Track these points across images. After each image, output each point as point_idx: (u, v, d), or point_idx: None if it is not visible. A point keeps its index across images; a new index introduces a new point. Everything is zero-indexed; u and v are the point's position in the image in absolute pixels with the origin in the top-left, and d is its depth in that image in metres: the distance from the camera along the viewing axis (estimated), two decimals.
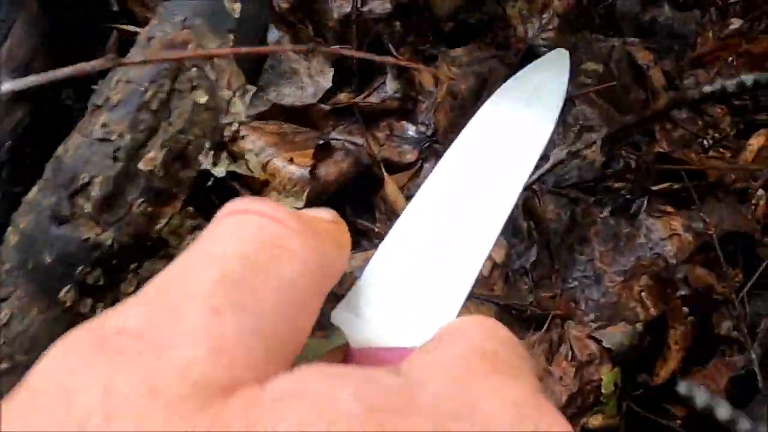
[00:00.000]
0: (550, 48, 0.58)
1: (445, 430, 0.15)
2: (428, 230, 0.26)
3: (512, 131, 0.29)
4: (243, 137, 0.52)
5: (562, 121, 0.60)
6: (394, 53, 0.58)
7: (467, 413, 0.16)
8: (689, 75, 0.73)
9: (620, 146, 0.62)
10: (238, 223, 0.19)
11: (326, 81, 0.60)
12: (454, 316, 0.24)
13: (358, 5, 0.60)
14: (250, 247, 0.18)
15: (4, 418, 0.15)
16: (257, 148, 0.51)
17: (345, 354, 0.23)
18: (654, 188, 0.61)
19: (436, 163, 0.27)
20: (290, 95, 0.63)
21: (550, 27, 0.63)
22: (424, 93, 0.57)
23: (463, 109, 0.55)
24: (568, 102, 0.61)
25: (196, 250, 0.18)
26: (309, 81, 0.63)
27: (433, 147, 0.58)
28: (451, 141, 0.27)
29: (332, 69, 0.61)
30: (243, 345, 0.16)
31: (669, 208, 0.61)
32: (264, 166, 0.50)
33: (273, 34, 0.62)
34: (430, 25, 0.59)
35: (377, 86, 0.61)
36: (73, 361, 0.15)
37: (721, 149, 0.69)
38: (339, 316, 0.23)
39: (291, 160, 0.50)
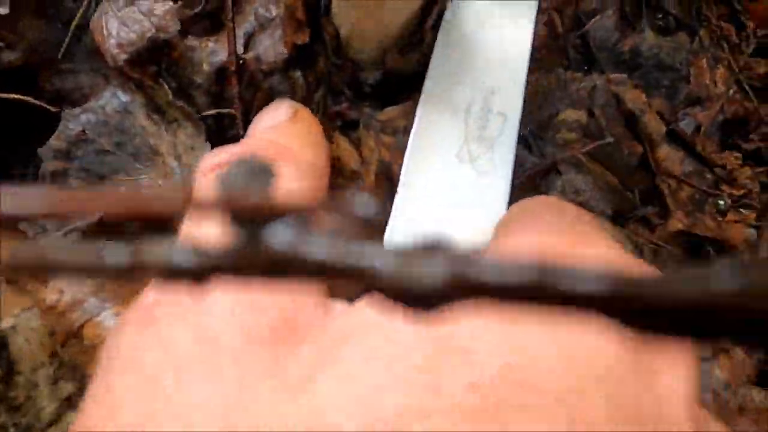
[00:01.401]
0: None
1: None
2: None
3: None
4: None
5: None
6: None
7: None
8: (684, 115, 0.58)
9: (627, 225, 0.44)
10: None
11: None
12: (504, 209, 0.25)
13: (240, 51, 0.41)
14: None
15: (93, 383, 0.18)
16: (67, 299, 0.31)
17: None
18: None
19: None
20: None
21: None
22: (345, 176, 0.38)
23: None
24: (553, 172, 0.43)
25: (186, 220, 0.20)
26: (176, 165, 0.43)
27: None
28: None
29: (208, 144, 0.42)
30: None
31: None
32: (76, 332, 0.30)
33: (115, 99, 0.42)
34: (348, 75, 0.40)
35: None
36: (130, 336, 0.18)
37: (742, 210, 0.53)
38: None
39: None
